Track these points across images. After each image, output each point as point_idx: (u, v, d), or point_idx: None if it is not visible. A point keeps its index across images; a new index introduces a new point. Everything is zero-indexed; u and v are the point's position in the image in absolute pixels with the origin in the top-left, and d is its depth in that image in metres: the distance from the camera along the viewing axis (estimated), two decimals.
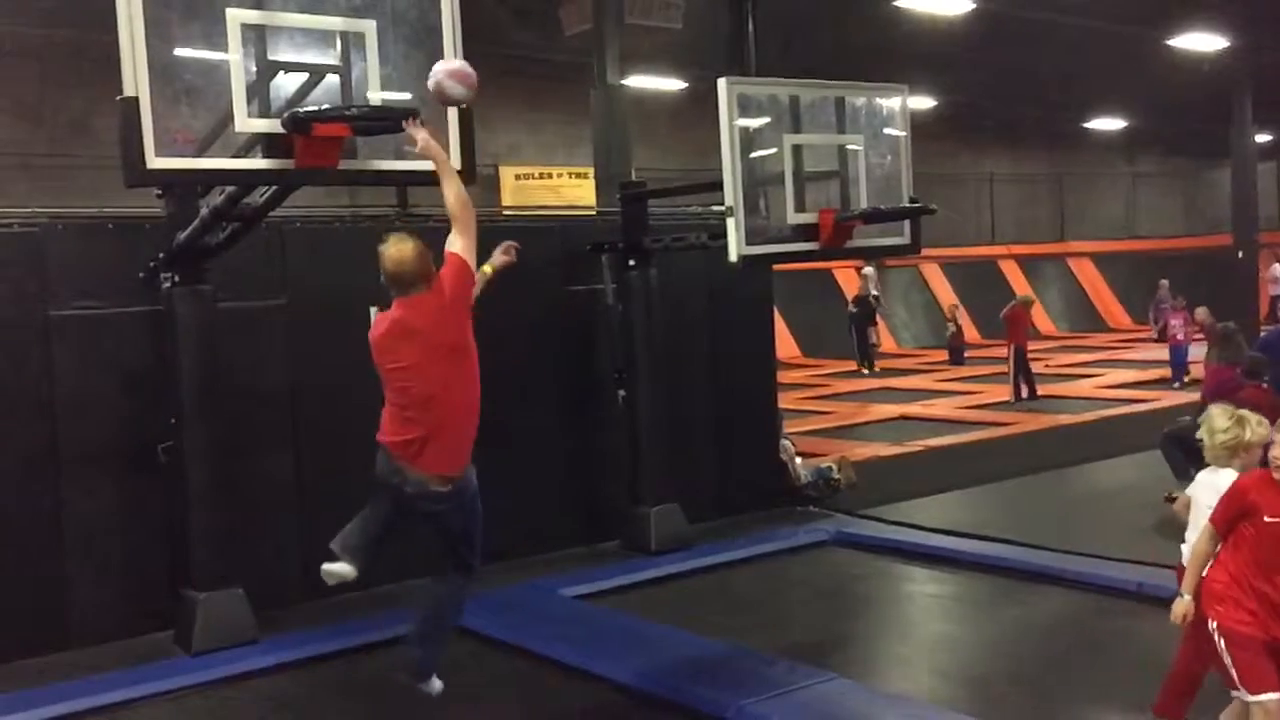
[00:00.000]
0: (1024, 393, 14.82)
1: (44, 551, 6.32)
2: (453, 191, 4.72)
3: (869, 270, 19.10)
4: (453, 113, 5.11)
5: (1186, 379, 15.30)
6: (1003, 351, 15.65)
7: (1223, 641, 4.21)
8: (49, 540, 6.33)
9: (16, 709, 5.35)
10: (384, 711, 5.47)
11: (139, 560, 6.52)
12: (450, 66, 4.79)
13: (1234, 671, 4.19)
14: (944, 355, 19.88)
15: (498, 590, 7.00)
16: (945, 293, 23.92)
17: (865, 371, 18.39)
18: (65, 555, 6.37)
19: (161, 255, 6.23)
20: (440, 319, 4.65)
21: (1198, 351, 15.08)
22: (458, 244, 4.71)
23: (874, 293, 18.83)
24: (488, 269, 5.23)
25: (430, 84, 4.75)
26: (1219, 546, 4.24)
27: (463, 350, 4.75)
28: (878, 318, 19.54)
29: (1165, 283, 21.31)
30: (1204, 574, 4.28)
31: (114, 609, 6.45)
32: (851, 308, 19.26)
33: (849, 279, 22.83)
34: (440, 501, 4.75)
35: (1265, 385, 7.85)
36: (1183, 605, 4.29)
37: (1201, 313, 15.74)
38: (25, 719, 5.28)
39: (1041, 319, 24.65)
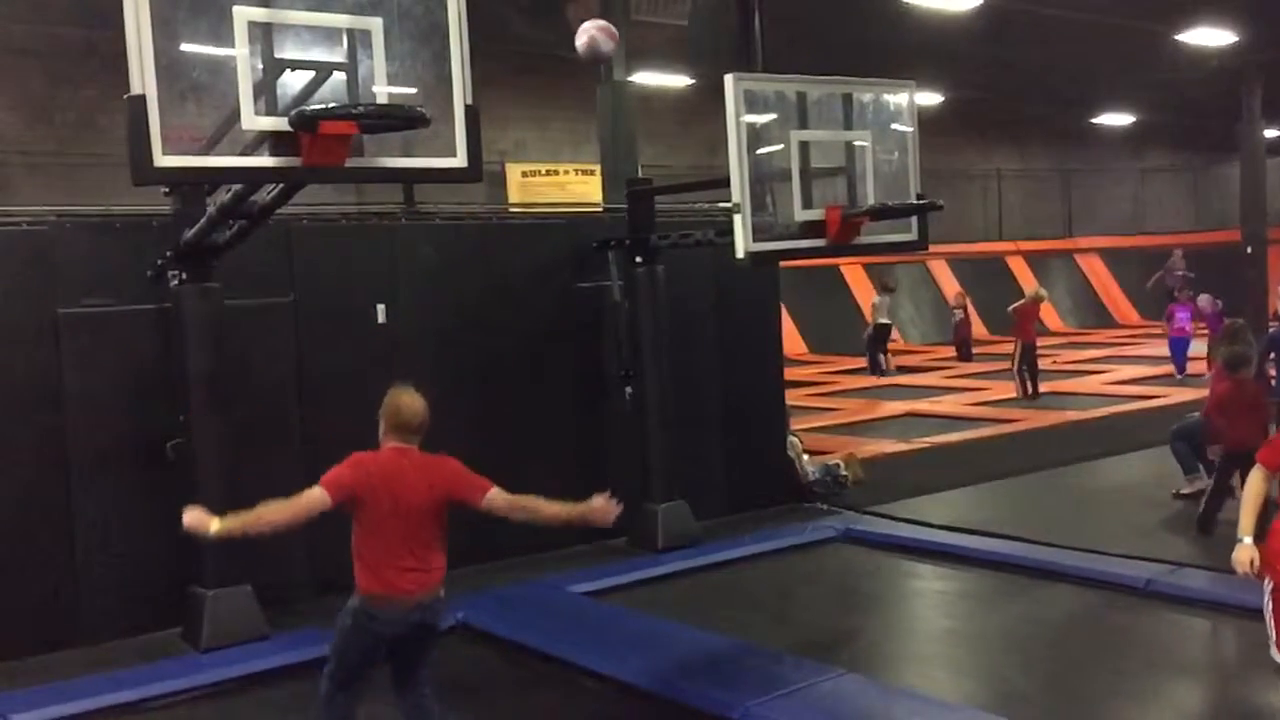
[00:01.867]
0: (1028, 389, 14.67)
1: (54, 548, 6.34)
2: (536, 508, 4.56)
3: (878, 300, 18.85)
4: (459, 110, 5.11)
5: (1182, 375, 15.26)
6: (1010, 348, 15.49)
7: (1271, 604, 4.13)
8: (59, 537, 6.35)
9: (27, 706, 5.36)
10: (392, 709, 5.47)
11: (148, 557, 6.53)
12: (599, 22, 5.89)
13: (1273, 631, 4.15)
14: (951, 351, 19.80)
15: (505, 587, 7.01)
16: (953, 289, 23.87)
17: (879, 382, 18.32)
18: (75, 552, 6.39)
19: (169, 253, 6.24)
20: (436, 496, 4.45)
21: (1199, 347, 15.08)
22: (492, 495, 4.49)
23: (883, 321, 18.61)
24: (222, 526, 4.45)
25: (581, 41, 5.91)
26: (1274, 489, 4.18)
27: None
28: (889, 346, 19.29)
29: (1179, 251, 21.12)
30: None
31: (123, 606, 6.47)
32: (866, 332, 19.16)
33: (856, 276, 22.80)
34: (442, 603, 4.61)
35: (1241, 378, 7.81)
36: (1244, 550, 4.14)
37: (1204, 300, 15.66)
38: (36, 717, 5.29)
39: (1049, 315, 24.57)
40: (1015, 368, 14.83)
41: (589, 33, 5.99)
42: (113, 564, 6.48)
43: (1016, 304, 15.52)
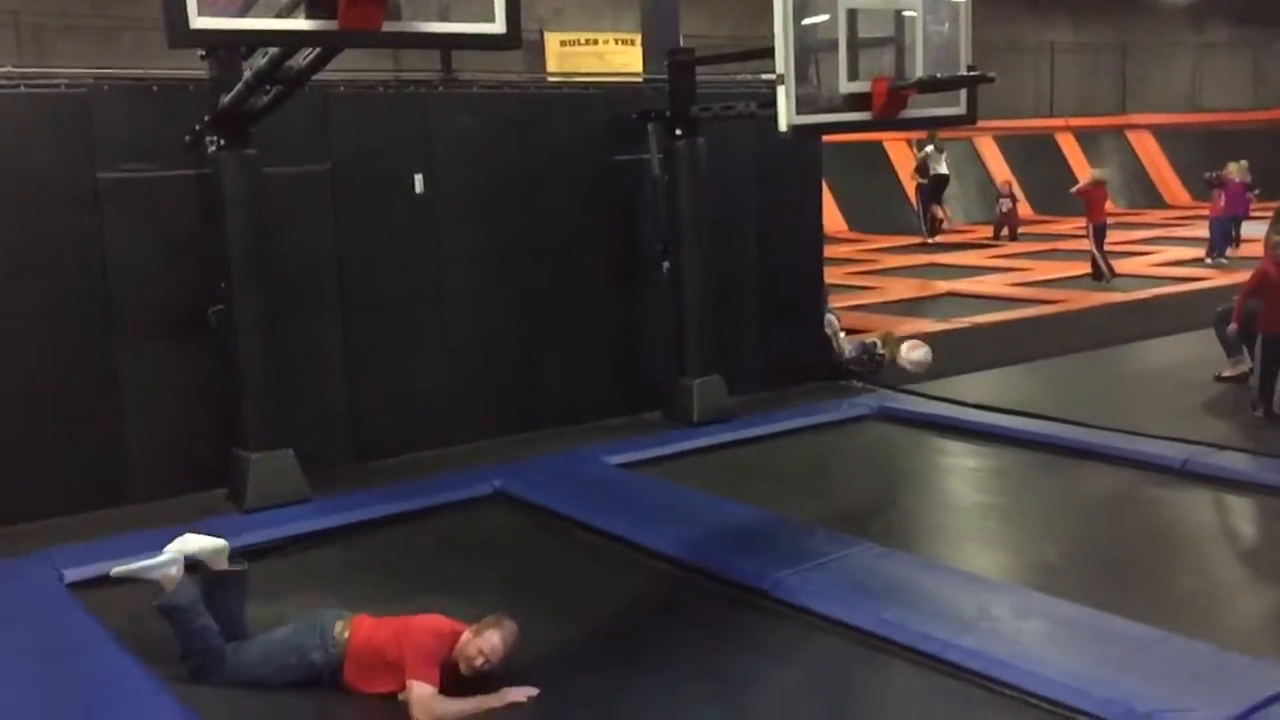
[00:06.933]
0: (1106, 269, 14.10)
1: (101, 410, 6.47)
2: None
3: (930, 150, 18.52)
4: None
5: (1224, 258, 14.91)
6: (1058, 228, 15.06)
7: None
8: (106, 399, 6.48)
9: (78, 561, 5.54)
10: (427, 570, 5.62)
11: (192, 420, 6.66)
12: (914, 357, 7.31)
13: None
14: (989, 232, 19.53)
15: (541, 457, 7.11)
16: (999, 167, 23.38)
17: (928, 241, 18.15)
18: (123, 414, 6.53)
19: (206, 118, 6.21)
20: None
21: (1252, 229, 14.71)
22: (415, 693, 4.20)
23: (941, 171, 18.22)
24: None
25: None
26: None
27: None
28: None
29: (1244, 164, 20.53)
30: None
31: (169, 466, 6.63)
32: (921, 179, 18.90)
33: (899, 152, 22.36)
34: None
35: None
36: None
37: (1235, 167, 15.20)
38: (87, 572, 5.46)
39: None
40: (1095, 249, 14.11)
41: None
42: (159, 426, 6.62)
43: (1079, 186, 14.88)
